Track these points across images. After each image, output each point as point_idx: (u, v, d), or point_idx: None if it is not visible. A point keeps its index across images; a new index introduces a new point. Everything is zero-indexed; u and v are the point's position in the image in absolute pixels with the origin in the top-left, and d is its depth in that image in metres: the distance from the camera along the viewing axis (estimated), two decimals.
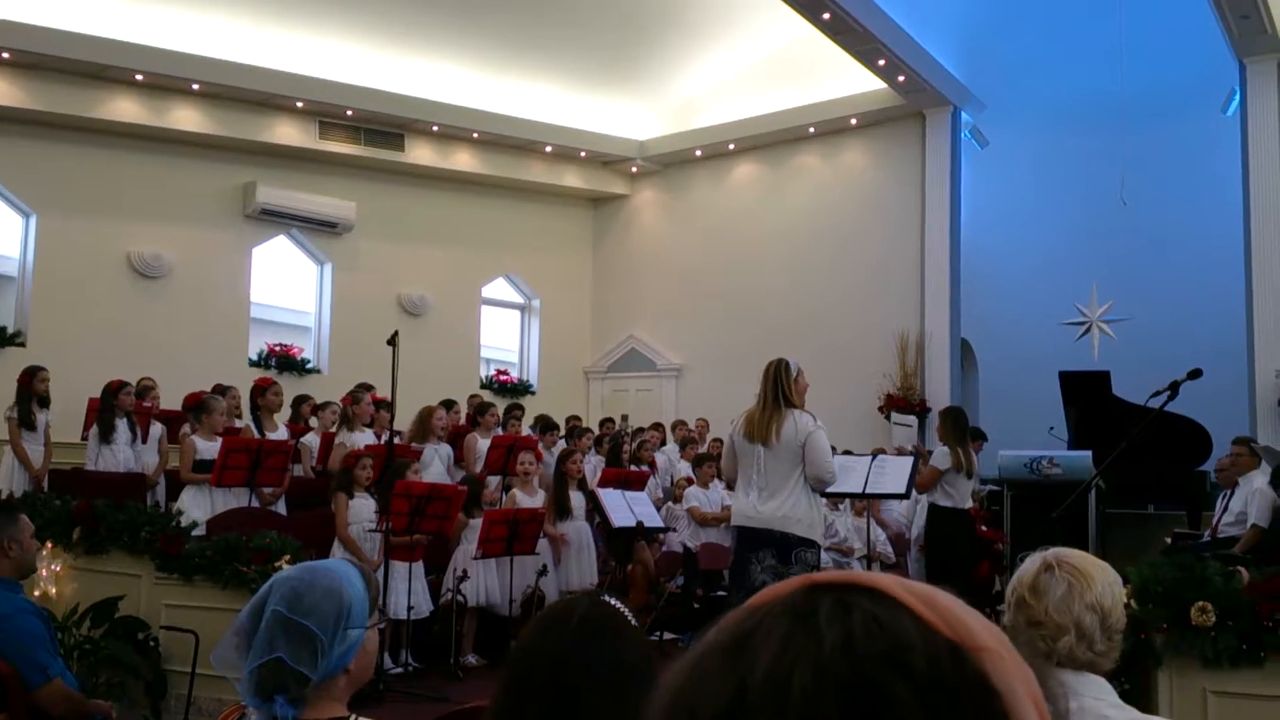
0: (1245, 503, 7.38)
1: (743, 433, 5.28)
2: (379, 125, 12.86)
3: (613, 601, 1.64)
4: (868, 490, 7.58)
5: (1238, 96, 11.12)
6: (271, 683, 1.83)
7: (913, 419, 11.32)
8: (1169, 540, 8.66)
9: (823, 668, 0.49)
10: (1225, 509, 7.70)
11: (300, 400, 9.44)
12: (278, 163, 12.55)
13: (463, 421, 9.81)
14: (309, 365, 12.71)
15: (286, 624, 1.84)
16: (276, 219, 12.48)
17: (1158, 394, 5.56)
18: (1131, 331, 11.20)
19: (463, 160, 13.66)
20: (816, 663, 0.50)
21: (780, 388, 5.26)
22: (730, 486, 5.65)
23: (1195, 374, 5.55)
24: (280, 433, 8.29)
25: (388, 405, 7.39)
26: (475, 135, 13.42)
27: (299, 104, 12.18)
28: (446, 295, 13.70)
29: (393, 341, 6.42)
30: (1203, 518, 8.93)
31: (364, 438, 8.05)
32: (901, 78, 11.75)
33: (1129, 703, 3.56)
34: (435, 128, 13.11)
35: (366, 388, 8.38)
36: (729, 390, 9.98)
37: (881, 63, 11.39)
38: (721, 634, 0.55)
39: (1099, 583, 2.15)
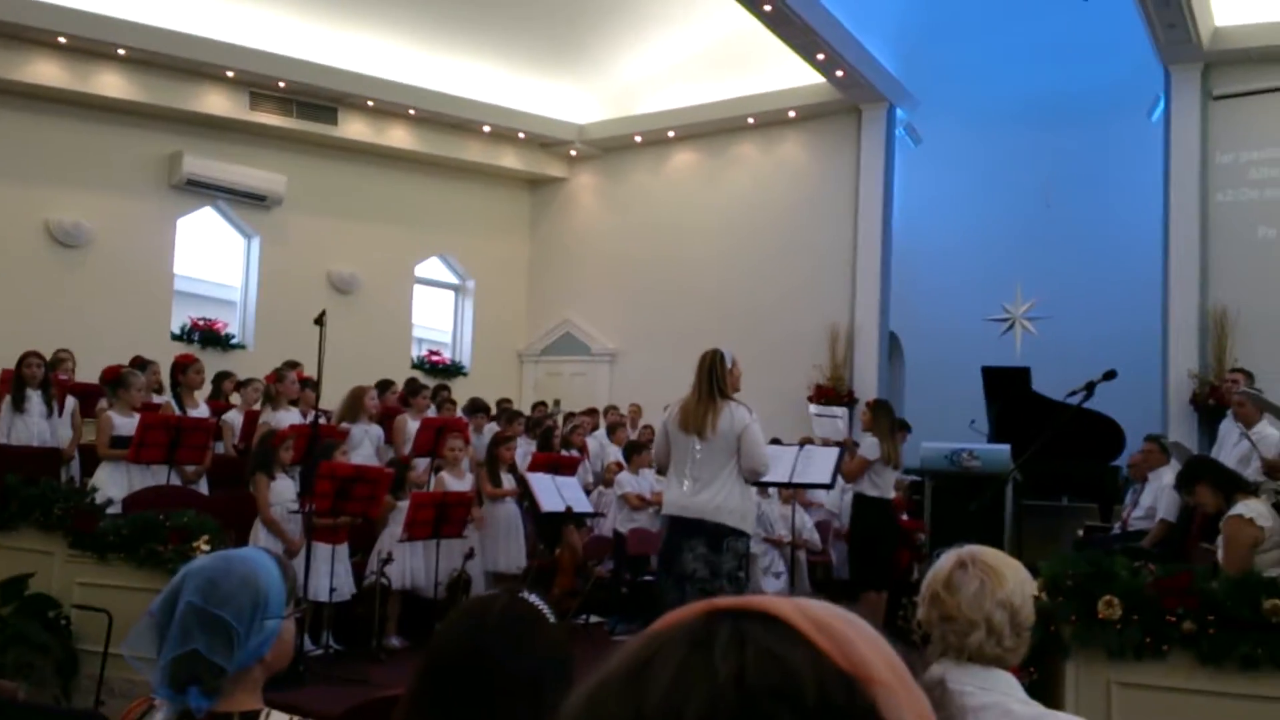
0: (1155, 498, 7.62)
1: (678, 423, 5.31)
2: (312, 98, 12.63)
3: (532, 598, 1.65)
4: (794, 479, 7.69)
5: (1162, 103, 11.40)
6: (186, 674, 1.80)
7: (838, 410, 11.45)
8: (1081, 533, 8.91)
9: (715, 699, 0.50)
10: (1135, 503, 7.94)
11: (222, 377, 9.27)
12: (206, 133, 12.27)
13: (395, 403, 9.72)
14: (233, 341, 12.48)
15: (201, 615, 1.81)
16: (203, 190, 12.22)
17: (1074, 393, 5.72)
18: (1053, 329, 11.46)
19: (398, 137, 13.49)
20: (710, 694, 0.50)
21: (715, 379, 5.28)
22: (662, 474, 5.69)
23: (1110, 375, 5.72)
24: (201, 410, 8.12)
25: (314, 384, 7.29)
26: (411, 112, 13.26)
27: (229, 73, 11.92)
28: (378, 274, 13.54)
29: (320, 321, 6.34)
30: (1114, 511, 9.20)
31: (289, 417, 7.93)
32: (840, 73, 11.86)
33: (1037, 693, 3.67)
34: (370, 103, 12.93)
35: (291, 365, 8.26)
36: (663, 376, 10.01)
37: (820, 57, 11.48)
38: (623, 659, 0.55)
39: (1010, 581, 2.21)
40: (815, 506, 9.66)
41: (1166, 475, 7.51)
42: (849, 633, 0.55)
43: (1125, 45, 11.07)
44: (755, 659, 0.52)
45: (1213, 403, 10.04)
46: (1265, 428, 6.60)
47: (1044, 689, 3.94)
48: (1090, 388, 5.70)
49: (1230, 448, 6.79)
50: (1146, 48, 10.80)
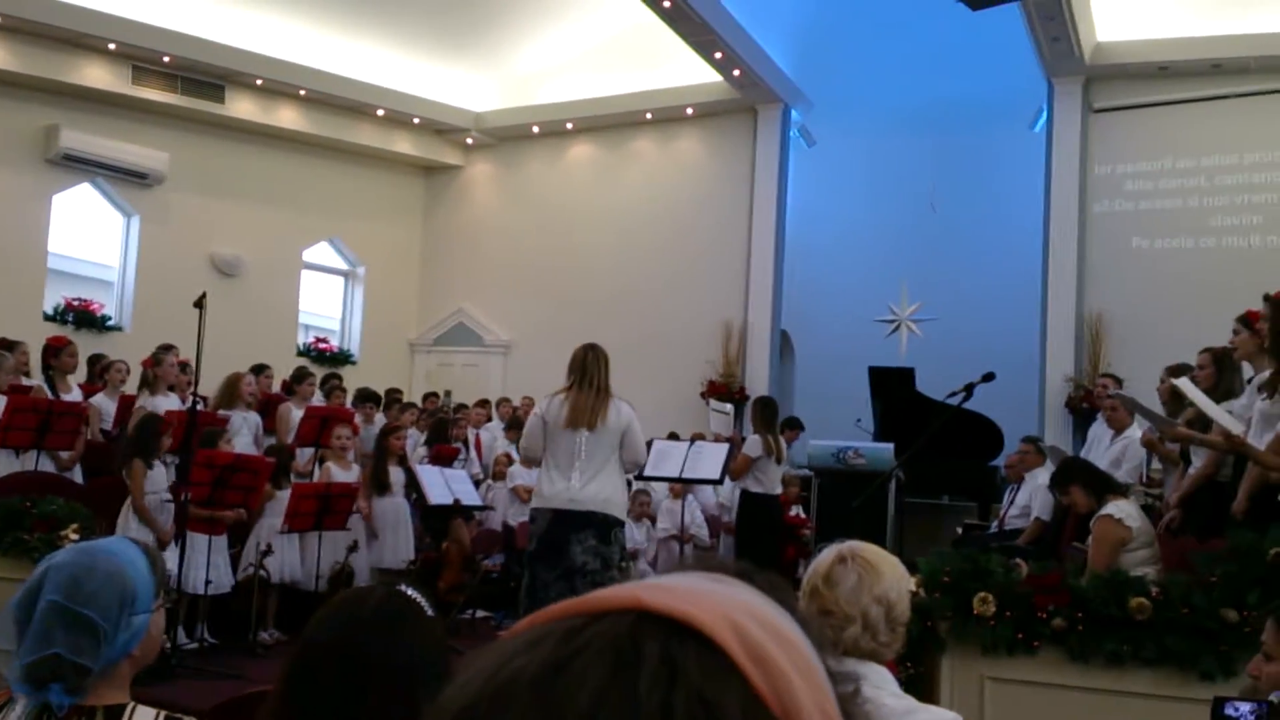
0: (1030, 497, 7.88)
1: (565, 417, 5.33)
2: (198, 74, 12.20)
3: (410, 592, 1.61)
4: (684, 475, 7.76)
5: (1045, 114, 11.80)
6: (47, 674, 1.72)
7: (728, 406, 11.59)
8: (960, 531, 9.17)
9: None
10: (1012, 502, 8.21)
11: (96, 359, 8.92)
12: (85, 106, 11.74)
13: (276, 389, 9.47)
14: (109, 322, 11.99)
15: (64, 614, 1.72)
16: (81, 166, 11.69)
17: (954, 394, 5.87)
18: (937, 331, 11.76)
19: (287, 117, 13.12)
20: None
21: (603, 373, 5.42)
22: (530, 465, 5.74)
23: (988, 377, 5.89)
24: (75, 394, 7.81)
25: (193, 369, 7.05)
26: (302, 92, 12.91)
27: (111, 45, 11.42)
28: (264, 257, 13.15)
29: (200, 304, 6.12)
30: (992, 510, 9.49)
31: (167, 402, 7.66)
32: (736, 72, 11.97)
33: (914, 688, 3.75)
34: (259, 81, 12.54)
35: (168, 348, 7.95)
36: (557, 369, 9.81)
37: (718, 55, 11.56)
38: (536, 657, 0.49)
39: (887, 577, 2.25)
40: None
41: (1041, 476, 7.78)
42: (783, 663, 0.51)
43: (1011, 57, 11.40)
44: (684, 703, 0.47)
45: (1086, 406, 10.44)
46: (1135, 431, 6.88)
47: (920, 683, 4.03)
48: (969, 389, 5.86)
49: (1102, 450, 7.06)
50: (1031, 60, 11.16)
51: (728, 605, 0.52)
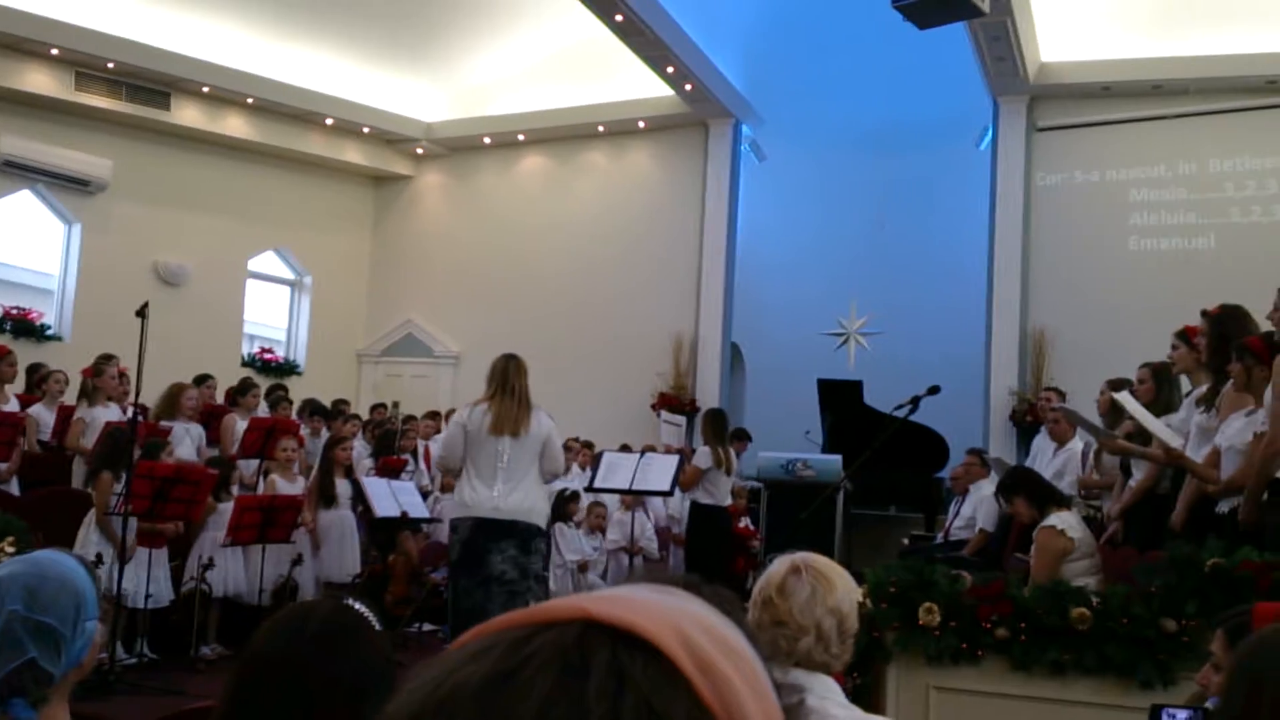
0: (975, 508, 7.98)
1: (489, 425, 5.35)
2: (143, 81, 12.01)
3: (357, 605, 1.60)
4: (634, 486, 7.76)
5: (990, 133, 12.00)
6: (14, 686, 1.72)
7: (679, 418, 11.62)
8: (906, 541, 9.26)
9: None
10: (957, 514, 8.31)
11: (35, 369, 8.73)
12: (26, 112, 11.50)
13: (220, 400, 9.33)
14: (49, 331, 11.74)
15: (27, 623, 1.74)
16: (21, 172, 11.44)
17: (901, 406, 5.94)
18: (885, 345, 11.89)
19: (234, 125, 12.96)
20: None
21: (523, 383, 5.50)
22: (449, 474, 5.74)
23: (934, 390, 5.96)
24: (12, 404, 7.65)
25: (133, 379, 6.92)
26: (250, 100, 12.76)
27: (54, 51, 11.21)
28: (209, 266, 12.95)
29: (142, 313, 6.01)
30: (937, 521, 9.60)
31: (108, 413, 7.52)
32: (688, 86, 12.03)
33: (860, 697, 3.78)
34: (205, 88, 12.38)
35: (108, 359, 7.81)
36: None
37: (670, 70, 11.62)
38: (483, 666, 0.49)
39: (840, 589, 2.26)
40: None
41: (986, 487, 7.88)
42: (729, 673, 0.51)
43: (959, 77, 11.59)
44: (632, 712, 0.47)
45: (1030, 419, 10.60)
46: (1077, 443, 7.00)
47: (867, 693, 4.06)
48: (915, 402, 5.94)
49: (1045, 461, 7.17)
50: (978, 80, 11.35)
51: (675, 615, 0.52)
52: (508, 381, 5.47)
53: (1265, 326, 4.84)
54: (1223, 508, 4.56)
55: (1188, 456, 4.88)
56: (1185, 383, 5.66)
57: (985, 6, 7.89)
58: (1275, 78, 10.52)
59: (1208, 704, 2.48)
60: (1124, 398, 5.40)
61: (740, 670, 0.52)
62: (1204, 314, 5.19)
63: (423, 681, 0.49)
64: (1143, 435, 5.30)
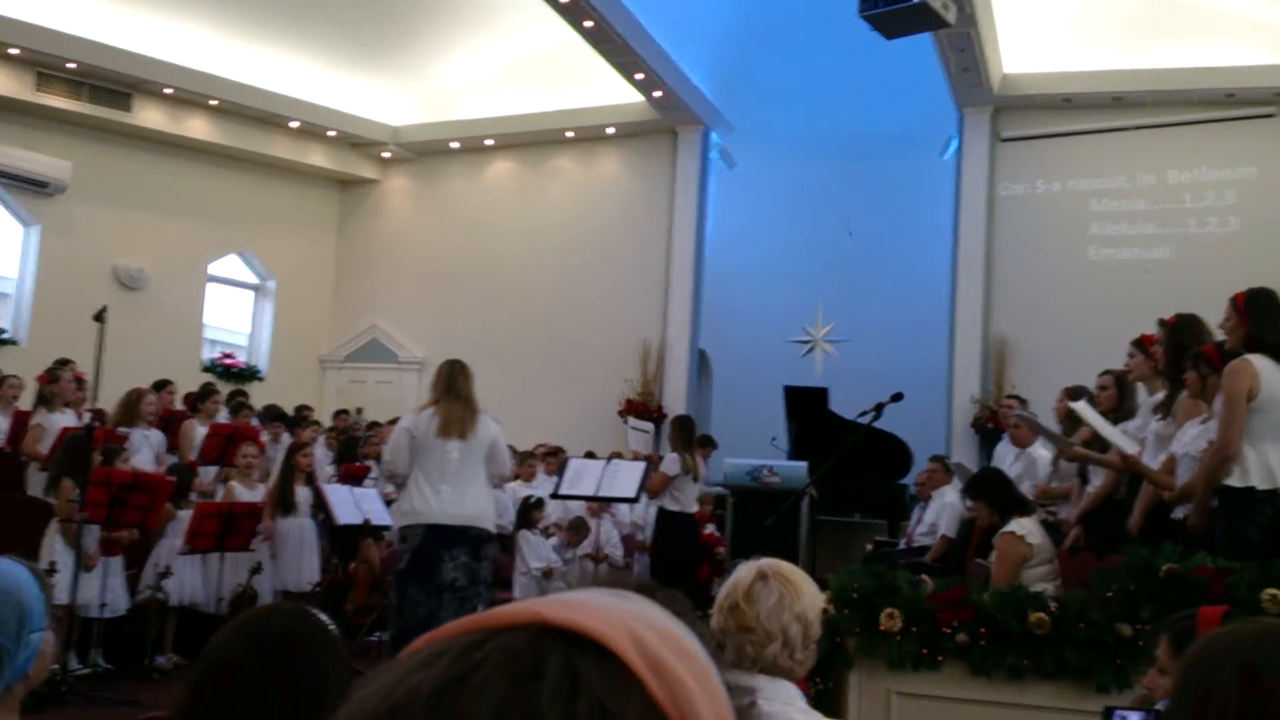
0: (937, 515, 8.04)
1: (437, 426, 5.31)
2: (104, 82, 11.87)
3: (315, 612, 1.59)
4: (600, 493, 7.75)
5: (955, 143, 12.11)
6: None
7: (647, 425, 11.61)
8: (870, 548, 9.31)
9: None
10: (920, 520, 8.36)
11: None
12: None
13: (180, 406, 9.22)
14: (5, 335, 11.56)
15: None
16: None
17: (865, 413, 5.97)
18: (851, 352, 11.95)
19: (197, 128, 12.83)
20: None
21: (469, 388, 5.49)
22: (395, 481, 5.68)
23: (897, 397, 6.00)
24: None
25: (89, 384, 6.84)
26: (213, 102, 12.64)
27: (14, 51, 11.06)
28: (169, 269, 12.81)
29: (99, 318, 5.94)
30: (901, 527, 9.65)
31: (64, 419, 7.42)
32: (658, 93, 12.05)
33: (821, 703, 3.79)
34: (168, 90, 12.25)
35: (64, 363, 7.70)
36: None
37: (639, 76, 11.64)
38: (435, 671, 0.48)
39: (805, 595, 2.27)
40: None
41: (949, 493, 7.94)
42: (682, 674, 0.51)
43: (923, 87, 11.69)
44: (586, 714, 0.47)
45: (991, 426, 10.69)
46: (1038, 449, 7.07)
47: (829, 699, 4.08)
48: (879, 409, 5.97)
49: (1006, 467, 7.22)
50: (943, 90, 11.46)
51: (627, 618, 0.52)
52: (453, 386, 5.45)
53: (1220, 336, 4.91)
54: (1178, 514, 4.62)
55: (1144, 463, 4.94)
56: (1142, 390, 5.74)
57: (950, 17, 7.98)
58: (1234, 90, 10.70)
59: (1159, 706, 2.51)
60: (1081, 407, 5.45)
61: (692, 671, 0.52)
62: (1161, 323, 5.26)
63: (375, 688, 0.49)
64: (1100, 442, 5.36)
